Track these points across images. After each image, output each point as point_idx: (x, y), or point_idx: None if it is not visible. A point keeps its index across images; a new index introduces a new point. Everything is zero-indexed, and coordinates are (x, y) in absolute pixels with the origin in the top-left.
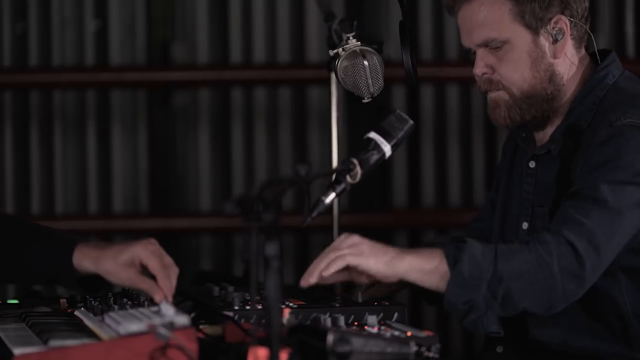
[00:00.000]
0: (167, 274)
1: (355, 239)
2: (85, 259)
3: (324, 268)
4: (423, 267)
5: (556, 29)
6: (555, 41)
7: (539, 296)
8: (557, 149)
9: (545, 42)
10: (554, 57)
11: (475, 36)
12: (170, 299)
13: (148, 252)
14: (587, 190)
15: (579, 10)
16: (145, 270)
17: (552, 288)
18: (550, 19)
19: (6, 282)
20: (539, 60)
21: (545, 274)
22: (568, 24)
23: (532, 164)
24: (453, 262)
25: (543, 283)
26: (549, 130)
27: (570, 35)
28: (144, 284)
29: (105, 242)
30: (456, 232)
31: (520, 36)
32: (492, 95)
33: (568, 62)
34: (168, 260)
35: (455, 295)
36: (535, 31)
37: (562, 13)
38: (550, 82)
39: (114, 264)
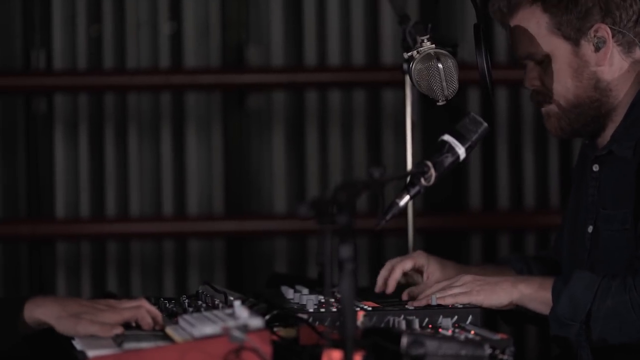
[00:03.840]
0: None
1: (467, 278)
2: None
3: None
4: (533, 297)
5: (597, 37)
6: (597, 49)
7: (629, 336)
8: (619, 149)
9: (586, 51)
10: (598, 65)
11: (519, 51)
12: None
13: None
14: None
15: (623, 17)
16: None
17: None
18: (590, 27)
19: None
20: (580, 70)
21: (637, 315)
22: (609, 31)
23: (595, 167)
24: (556, 297)
25: (634, 325)
26: (609, 132)
27: (615, 41)
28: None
29: (177, 246)
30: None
31: (559, 48)
32: (543, 107)
33: (616, 68)
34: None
35: (554, 329)
36: (574, 42)
37: (603, 21)
38: (595, 90)
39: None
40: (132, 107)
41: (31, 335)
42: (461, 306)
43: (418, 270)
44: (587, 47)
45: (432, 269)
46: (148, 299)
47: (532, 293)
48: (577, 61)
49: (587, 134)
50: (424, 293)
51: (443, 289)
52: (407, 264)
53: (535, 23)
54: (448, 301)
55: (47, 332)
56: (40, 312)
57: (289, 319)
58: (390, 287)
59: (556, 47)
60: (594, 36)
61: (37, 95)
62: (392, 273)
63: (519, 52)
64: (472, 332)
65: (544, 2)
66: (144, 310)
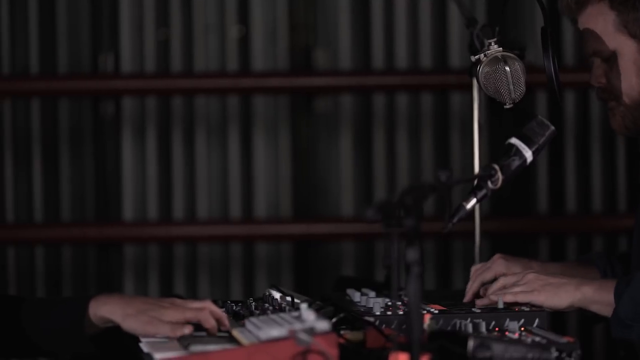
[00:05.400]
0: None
1: (530, 276)
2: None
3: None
4: (595, 299)
5: None
6: None
7: None
8: None
9: None
10: None
11: (586, 48)
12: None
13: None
14: None
15: None
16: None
17: None
18: None
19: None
20: None
21: None
22: None
23: None
24: (618, 299)
25: None
26: None
27: None
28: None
29: (245, 249)
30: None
31: (625, 46)
32: (609, 105)
33: None
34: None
35: (616, 331)
36: None
37: None
38: None
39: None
40: (200, 111)
41: (98, 335)
42: (528, 309)
43: None
44: None
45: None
46: (215, 301)
47: (594, 295)
48: None
49: None
50: (488, 290)
51: (505, 286)
52: (487, 276)
53: (602, 20)
54: (508, 299)
55: (113, 332)
56: (106, 309)
57: (355, 322)
58: (466, 299)
59: (622, 44)
60: None
61: (105, 98)
62: (471, 286)
63: (586, 49)
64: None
65: (611, 0)
66: (207, 312)
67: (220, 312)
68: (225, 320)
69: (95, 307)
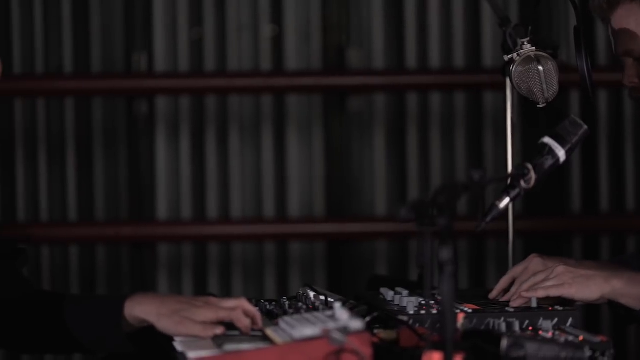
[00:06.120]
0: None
1: (560, 269)
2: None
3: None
4: (625, 292)
5: None
6: None
7: None
8: None
9: None
10: None
11: (617, 47)
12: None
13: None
14: None
15: None
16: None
17: None
18: None
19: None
20: None
21: None
22: None
23: None
24: None
25: None
26: None
27: None
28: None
29: (278, 248)
30: None
31: None
32: None
33: None
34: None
35: None
36: None
37: None
38: None
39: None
40: (234, 110)
41: (133, 334)
42: (561, 308)
43: None
44: None
45: None
46: (249, 300)
47: (623, 288)
48: None
49: None
50: (519, 288)
51: (536, 282)
52: (517, 270)
53: (635, 20)
54: (540, 294)
55: (148, 331)
56: (141, 310)
57: (389, 321)
58: (492, 295)
59: None
60: None
61: (139, 97)
62: (499, 283)
63: (618, 49)
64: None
65: None
66: (240, 311)
67: (254, 310)
68: (259, 319)
69: (131, 307)
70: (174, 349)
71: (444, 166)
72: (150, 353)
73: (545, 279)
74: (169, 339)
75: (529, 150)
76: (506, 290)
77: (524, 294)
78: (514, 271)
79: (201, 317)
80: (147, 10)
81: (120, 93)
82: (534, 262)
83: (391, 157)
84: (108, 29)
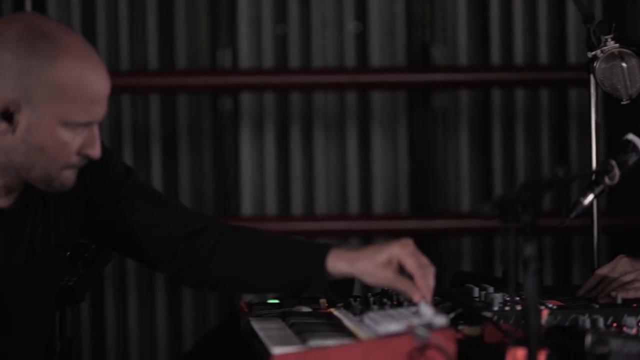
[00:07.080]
0: (424, 274)
1: None
2: (340, 261)
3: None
4: None
5: None
6: None
7: None
8: None
9: None
10: None
11: None
12: (428, 298)
13: (405, 252)
14: None
15: None
16: (401, 271)
17: None
18: None
19: (247, 292)
20: None
21: None
22: None
23: None
24: None
25: None
26: None
27: None
28: (401, 283)
29: (363, 244)
30: None
31: None
32: None
33: None
34: (424, 260)
35: None
36: None
37: None
38: None
39: (370, 264)
40: (318, 106)
41: (214, 332)
42: None
43: None
44: None
45: None
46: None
47: None
48: None
49: None
50: (606, 287)
51: (625, 282)
52: (604, 270)
53: None
54: (631, 295)
55: (232, 326)
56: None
57: (473, 317)
58: (580, 293)
59: None
60: None
61: (224, 93)
62: (586, 282)
63: None
64: None
65: None
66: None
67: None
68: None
69: (333, 261)
70: (259, 341)
71: (528, 162)
72: (229, 349)
73: (635, 279)
74: (253, 334)
75: (613, 146)
76: (593, 289)
77: (613, 294)
78: (601, 271)
79: None
80: (231, 6)
81: (205, 89)
82: (622, 262)
83: (475, 153)
84: (193, 26)
